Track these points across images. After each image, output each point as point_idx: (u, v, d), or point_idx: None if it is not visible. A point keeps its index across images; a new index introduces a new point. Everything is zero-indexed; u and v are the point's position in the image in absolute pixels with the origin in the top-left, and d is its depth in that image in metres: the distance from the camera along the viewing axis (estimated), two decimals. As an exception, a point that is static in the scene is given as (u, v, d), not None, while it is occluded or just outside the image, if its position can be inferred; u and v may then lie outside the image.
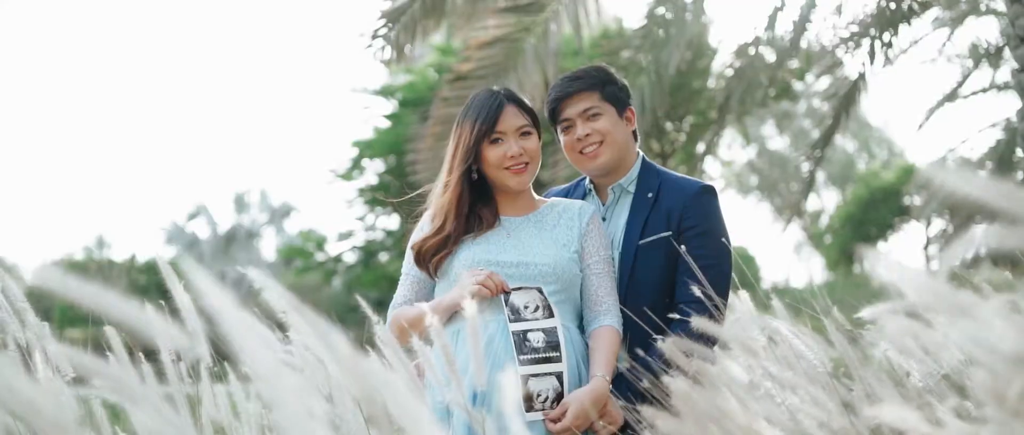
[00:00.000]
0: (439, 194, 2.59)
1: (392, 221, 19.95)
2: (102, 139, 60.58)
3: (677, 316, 2.42)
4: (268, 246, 34.54)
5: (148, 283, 21.34)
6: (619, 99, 2.67)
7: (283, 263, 31.51)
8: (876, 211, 19.60)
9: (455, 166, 2.55)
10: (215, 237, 33.62)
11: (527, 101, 2.61)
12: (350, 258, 20.93)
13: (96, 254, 28.23)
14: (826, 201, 31.40)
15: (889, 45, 7.44)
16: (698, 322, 2.02)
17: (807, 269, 33.02)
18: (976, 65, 11.12)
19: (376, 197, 19.06)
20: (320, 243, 22.31)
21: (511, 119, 2.54)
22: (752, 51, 7.99)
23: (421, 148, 7.50)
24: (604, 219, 2.68)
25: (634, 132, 2.73)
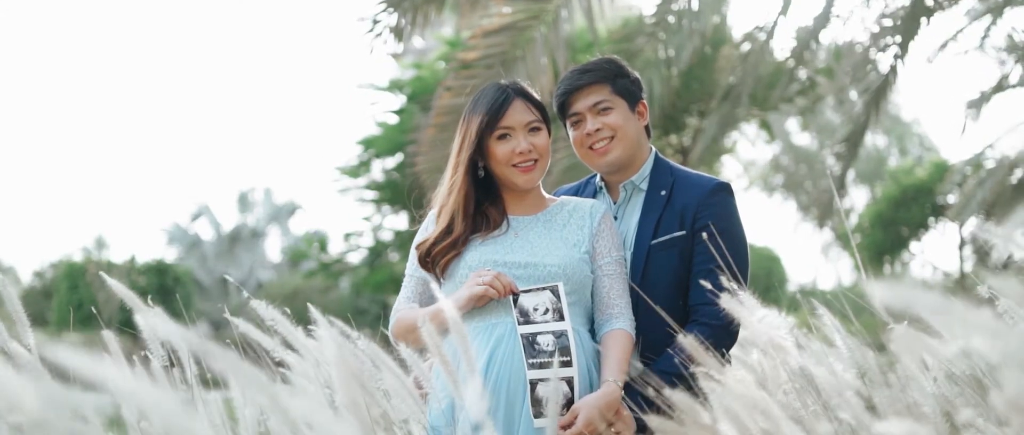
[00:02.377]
0: (445, 193, 2.59)
1: (400, 221, 19.97)
2: (101, 136, 60.99)
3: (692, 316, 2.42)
4: (273, 247, 34.72)
5: (148, 285, 21.45)
6: (631, 92, 2.66)
7: (288, 264, 31.62)
8: (908, 210, 19.44)
9: (460, 163, 2.55)
10: (218, 238, 33.79)
11: (536, 95, 2.61)
12: (357, 259, 20.97)
13: (95, 255, 28.40)
14: (855, 199, 31.24)
15: (912, 37, 7.39)
16: (718, 314, 2.02)
17: (835, 270, 32.86)
18: (1018, 59, 11.00)
19: (383, 196, 19.08)
20: (323, 244, 22.37)
21: (519, 114, 2.53)
22: (762, 37, 7.94)
23: (422, 138, 7.48)
24: (615, 218, 2.67)
25: (647, 127, 2.72)
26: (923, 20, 7.43)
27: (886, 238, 19.81)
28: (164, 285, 21.79)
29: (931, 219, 19.59)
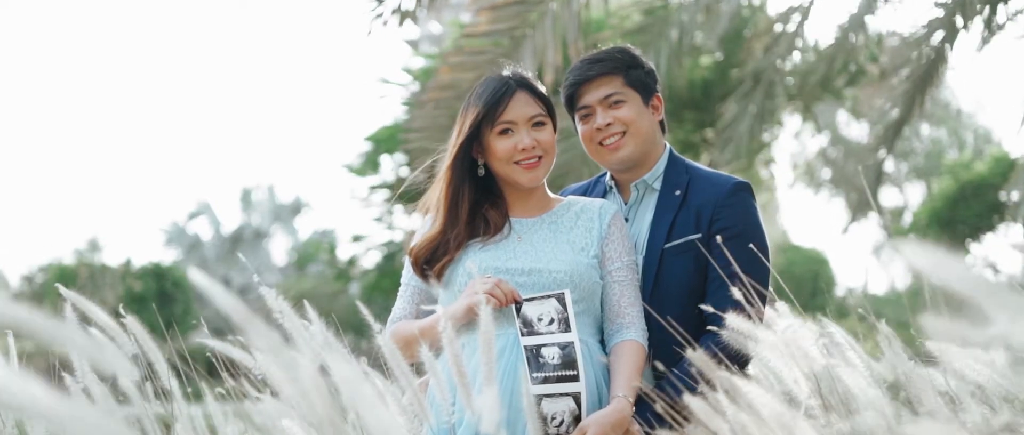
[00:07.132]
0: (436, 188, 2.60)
1: (413, 221, 19.98)
2: (95, 131, 61.58)
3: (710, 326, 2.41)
4: (278, 248, 34.97)
5: (145, 290, 21.63)
6: (645, 85, 2.66)
7: (295, 267, 31.82)
8: (967, 208, 19.25)
9: (451, 155, 2.55)
10: (219, 238, 34.09)
11: (541, 87, 2.62)
12: (368, 262, 21.07)
13: (88, 258, 28.69)
14: (910, 196, 30.97)
15: (963, 15, 7.32)
16: (732, 329, 2.03)
17: (887, 273, 32.62)
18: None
19: (392, 195, 19.14)
20: (330, 246, 22.51)
21: (522, 108, 2.53)
22: (796, 18, 7.89)
23: (418, 116, 7.48)
24: (627, 219, 2.67)
25: (661, 122, 2.72)
26: (980, 4, 7.36)
27: (943, 238, 19.62)
28: (163, 290, 21.94)
29: (994, 217, 19.38)
